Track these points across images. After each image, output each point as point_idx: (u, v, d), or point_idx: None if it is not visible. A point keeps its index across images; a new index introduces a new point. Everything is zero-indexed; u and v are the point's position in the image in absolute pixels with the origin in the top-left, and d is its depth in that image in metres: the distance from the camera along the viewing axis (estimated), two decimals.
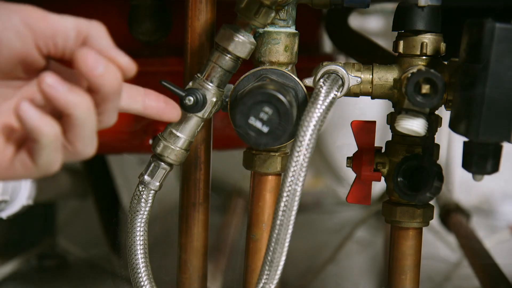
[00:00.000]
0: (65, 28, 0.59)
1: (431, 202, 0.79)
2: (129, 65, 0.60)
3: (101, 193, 1.25)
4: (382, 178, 0.79)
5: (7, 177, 0.60)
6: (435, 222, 1.32)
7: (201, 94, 0.72)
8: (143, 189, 0.74)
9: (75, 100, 0.57)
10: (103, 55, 0.58)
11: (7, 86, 0.61)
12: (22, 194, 0.96)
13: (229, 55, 0.72)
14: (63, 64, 0.63)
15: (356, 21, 1.72)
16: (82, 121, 0.58)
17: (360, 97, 0.78)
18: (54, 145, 0.58)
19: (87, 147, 0.59)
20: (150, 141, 0.91)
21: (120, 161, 1.26)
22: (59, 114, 0.58)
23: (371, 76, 0.76)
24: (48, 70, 0.60)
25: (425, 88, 0.70)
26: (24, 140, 0.59)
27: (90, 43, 0.59)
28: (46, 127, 0.56)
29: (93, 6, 0.93)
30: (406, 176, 0.76)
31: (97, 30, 0.60)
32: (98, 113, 0.60)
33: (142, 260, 0.75)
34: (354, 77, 0.76)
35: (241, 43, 0.71)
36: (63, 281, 1.18)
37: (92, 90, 0.58)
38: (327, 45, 1.12)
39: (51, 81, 0.56)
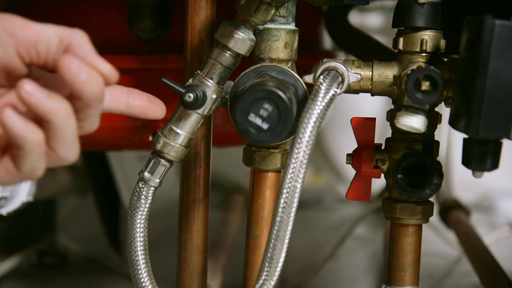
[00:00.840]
0: (47, 36, 0.59)
1: (431, 199, 0.79)
2: (111, 72, 0.61)
3: (101, 190, 1.25)
4: (382, 175, 0.79)
5: None
6: (435, 219, 1.32)
7: (201, 91, 0.72)
8: (143, 185, 0.74)
9: (54, 106, 0.57)
10: (85, 62, 0.59)
11: None
12: (22, 191, 0.96)
13: (229, 52, 0.72)
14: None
15: (356, 18, 1.72)
16: (62, 126, 0.58)
17: (360, 94, 0.78)
18: (38, 151, 0.58)
19: (69, 152, 0.60)
20: (150, 138, 0.92)
21: (120, 158, 1.26)
22: (40, 121, 0.59)
23: (371, 73, 0.76)
24: (27, 78, 0.60)
25: (425, 85, 0.70)
26: (7, 147, 0.60)
27: (73, 51, 0.59)
28: (30, 134, 0.57)
29: (93, 3, 0.93)
30: (406, 173, 0.76)
31: (79, 38, 0.60)
32: (80, 119, 0.60)
33: (142, 256, 0.75)
34: (354, 74, 0.76)
35: (241, 40, 0.71)
36: (63, 278, 1.19)
37: (74, 97, 0.59)
38: (327, 42, 1.12)
39: (29, 88, 0.56)
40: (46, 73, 0.64)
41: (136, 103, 0.68)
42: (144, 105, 0.68)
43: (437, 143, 0.78)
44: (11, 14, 0.59)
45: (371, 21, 1.80)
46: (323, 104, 0.68)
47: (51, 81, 0.62)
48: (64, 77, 0.57)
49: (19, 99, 0.57)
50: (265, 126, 0.68)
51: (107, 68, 0.60)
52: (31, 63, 0.60)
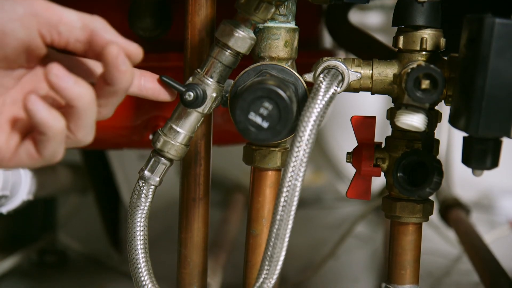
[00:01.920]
0: (70, 18, 0.61)
1: (431, 198, 0.79)
2: (138, 51, 0.63)
3: (101, 189, 1.25)
4: (382, 173, 0.79)
5: (12, 166, 0.62)
6: (434, 217, 1.33)
7: (201, 89, 0.72)
8: (143, 184, 0.74)
9: (80, 92, 0.59)
10: (114, 44, 0.61)
11: (8, 76, 0.63)
12: (22, 189, 0.96)
13: (229, 51, 0.72)
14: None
15: (356, 17, 1.72)
16: (85, 112, 0.60)
17: (360, 92, 0.78)
18: (60, 137, 0.60)
19: (87, 135, 0.62)
20: (150, 137, 0.92)
21: (120, 156, 1.27)
22: (59, 105, 0.61)
23: (371, 72, 0.76)
24: (52, 61, 0.62)
25: (425, 84, 0.70)
26: (29, 130, 0.61)
27: (99, 36, 0.61)
28: (54, 121, 0.59)
29: (94, 1, 0.93)
30: (406, 171, 0.76)
31: (101, 23, 0.62)
32: (101, 105, 0.63)
33: (142, 255, 0.75)
34: (354, 73, 0.76)
35: (241, 39, 0.71)
36: (63, 277, 1.19)
37: (107, 83, 0.61)
38: (327, 40, 1.12)
39: (58, 72, 0.58)
40: (65, 56, 0.66)
41: (148, 85, 0.70)
42: (156, 87, 0.70)
43: (437, 141, 0.78)
44: None
45: (371, 20, 1.80)
46: (323, 102, 0.68)
47: (70, 64, 0.65)
48: (108, 63, 0.60)
49: (47, 82, 0.58)
50: (265, 124, 0.68)
51: (134, 48, 0.63)
52: (52, 44, 0.62)
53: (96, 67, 0.67)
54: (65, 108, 0.60)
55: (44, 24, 0.60)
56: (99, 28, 0.61)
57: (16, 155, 0.61)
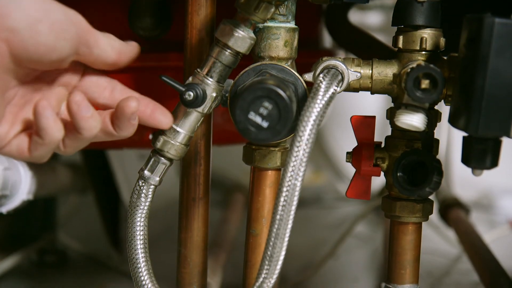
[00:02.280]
0: (103, 43, 0.68)
1: (431, 197, 0.79)
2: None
3: (101, 188, 1.25)
4: (382, 173, 0.79)
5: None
6: (434, 217, 1.33)
7: (201, 89, 0.72)
8: (143, 184, 0.74)
9: (92, 126, 0.66)
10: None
11: (29, 74, 0.66)
12: (22, 189, 0.96)
13: (229, 50, 0.72)
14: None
15: (355, 16, 1.72)
16: (86, 140, 0.67)
17: (360, 92, 0.78)
18: (53, 145, 0.65)
19: (74, 151, 0.68)
20: (150, 136, 0.91)
21: (120, 156, 1.27)
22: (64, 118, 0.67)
23: (370, 71, 0.76)
24: (78, 90, 0.69)
25: (425, 83, 0.70)
26: (28, 128, 0.66)
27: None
28: (55, 131, 0.64)
29: (94, 1, 0.93)
30: (406, 171, 0.76)
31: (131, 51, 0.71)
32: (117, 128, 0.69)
33: (142, 255, 0.75)
34: (353, 72, 0.76)
35: (241, 38, 0.72)
36: (63, 276, 1.19)
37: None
38: (327, 40, 1.12)
39: (81, 102, 0.64)
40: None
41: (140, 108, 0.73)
42: (146, 112, 0.72)
43: (437, 141, 0.78)
44: (78, 14, 0.67)
45: (371, 20, 1.80)
46: (323, 102, 0.68)
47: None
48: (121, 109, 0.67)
49: (68, 106, 0.65)
50: (265, 124, 0.68)
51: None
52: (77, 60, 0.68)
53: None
54: (69, 125, 0.65)
55: (83, 46, 0.66)
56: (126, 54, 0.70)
57: (8, 145, 0.65)
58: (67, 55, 0.65)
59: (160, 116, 0.71)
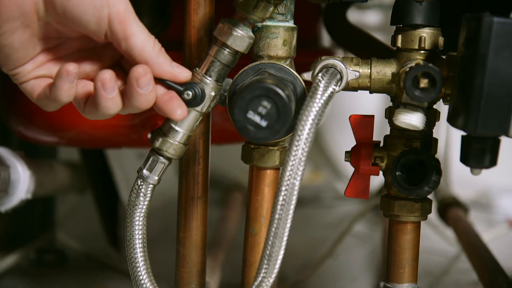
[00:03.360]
0: (135, 43, 0.69)
1: (429, 196, 0.79)
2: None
3: (100, 188, 1.25)
4: (381, 172, 0.79)
5: (23, 76, 0.70)
6: (433, 216, 1.33)
7: (199, 88, 0.72)
8: (142, 183, 0.74)
9: (109, 107, 0.68)
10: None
11: (69, 40, 0.70)
12: (21, 188, 0.96)
13: (227, 49, 0.72)
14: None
15: (354, 16, 1.72)
16: (101, 114, 0.69)
17: (359, 91, 0.78)
18: (58, 104, 0.69)
19: (93, 118, 0.71)
20: (149, 135, 0.91)
21: (119, 155, 1.26)
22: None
23: (369, 70, 0.76)
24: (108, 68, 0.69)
25: (424, 82, 0.70)
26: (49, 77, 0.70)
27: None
28: (63, 95, 0.68)
29: None
30: (405, 170, 0.77)
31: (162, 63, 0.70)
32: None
33: (141, 254, 0.75)
34: (352, 71, 0.76)
35: (240, 37, 0.72)
36: (62, 276, 1.19)
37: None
38: (326, 39, 1.12)
39: (106, 79, 0.67)
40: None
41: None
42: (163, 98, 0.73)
43: (436, 140, 0.78)
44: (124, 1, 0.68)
45: (369, 19, 1.80)
46: (322, 101, 0.68)
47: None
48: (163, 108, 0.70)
49: (95, 79, 0.68)
50: (263, 123, 0.68)
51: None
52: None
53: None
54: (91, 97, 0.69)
55: (112, 32, 0.67)
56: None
57: (26, 83, 0.69)
58: (94, 31, 0.67)
59: (176, 106, 0.70)
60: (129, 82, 0.67)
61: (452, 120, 0.71)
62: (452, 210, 1.29)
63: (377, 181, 0.99)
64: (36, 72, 0.69)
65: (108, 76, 0.67)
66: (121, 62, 0.72)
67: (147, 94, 0.68)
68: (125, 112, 0.70)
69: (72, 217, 1.44)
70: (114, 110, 0.68)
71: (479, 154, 0.69)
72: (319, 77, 0.70)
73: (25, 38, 0.67)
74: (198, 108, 0.73)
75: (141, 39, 0.68)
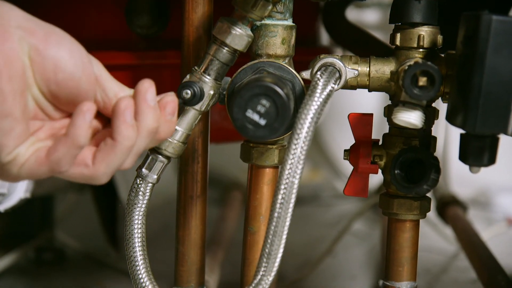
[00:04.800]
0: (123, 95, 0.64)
1: (428, 195, 0.79)
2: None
3: (99, 187, 1.25)
4: (379, 171, 0.79)
5: (22, 173, 0.62)
6: (432, 214, 1.33)
7: (198, 87, 0.72)
8: (141, 182, 0.74)
9: (129, 136, 0.62)
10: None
11: (56, 111, 0.64)
12: (20, 187, 0.96)
13: (226, 48, 0.72)
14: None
15: (353, 14, 1.72)
16: (119, 153, 0.62)
17: (357, 89, 0.78)
18: (74, 151, 0.61)
19: (105, 168, 0.63)
20: None
21: None
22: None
23: (368, 69, 0.76)
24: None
25: (422, 81, 0.70)
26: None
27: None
28: (81, 135, 0.60)
29: None
30: (403, 169, 0.77)
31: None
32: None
33: (140, 253, 0.75)
34: (351, 70, 0.76)
35: (238, 36, 0.71)
36: (61, 274, 1.19)
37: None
38: (324, 38, 1.12)
39: (126, 106, 0.62)
40: None
41: None
42: None
43: (434, 138, 0.78)
44: (99, 63, 0.64)
45: (368, 17, 1.80)
46: (321, 100, 0.68)
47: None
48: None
49: (114, 107, 0.62)
50: (262, 122, 0.68)
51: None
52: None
53: None
54: (102, 136, 0.63)
55: (102, 94, 0.63)
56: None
57: (27, 161, 0.61)
58: (85, 90, 0.62)
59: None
60: (138, 97, 0.63)
61: (451, 118, 0.71)
62: (451, 209, 1.29)
63: (376, 179, 0.99)
64: (33, 147, 0.62)
65: (127, 103, 0.62)
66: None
67: (156, 107, 0.64)
68: (137, 144, 0.64)
69: (71, 216, 1.44)
70: (132, 141, 0.62)
71: (478, 152, 0.69)
72: (318, 76, 0.70)
73: (24, 106, 0.60)
74: (197, 107, 0.73)
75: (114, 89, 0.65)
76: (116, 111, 0.62)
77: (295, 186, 0.68)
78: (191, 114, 0.74)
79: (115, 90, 0.64)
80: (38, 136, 0.62)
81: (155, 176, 0.75)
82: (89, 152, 0.63)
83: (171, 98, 0.65)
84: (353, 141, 0.79)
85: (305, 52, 0.85)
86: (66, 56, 0.60)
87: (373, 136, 0.79)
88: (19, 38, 0.59)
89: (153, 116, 0.63)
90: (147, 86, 0.63)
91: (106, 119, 0.65)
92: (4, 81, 0.58)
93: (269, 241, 0.69)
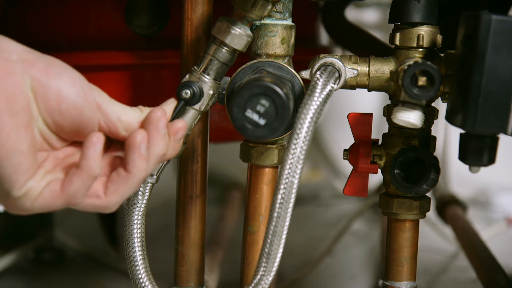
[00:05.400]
0: (129, 121, 0.65)
1: (428, 194, 0.79)
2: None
3: None
4: (379, 170, 0.79)
5: (36, 206, 0.62)
6: (431, 214, 1.33)
7: (198, 87, 0.72)
8: None
9: (142, 168, 0.63)
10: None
11: (60, 141, 0.64)
12: None
13: (225, 48, 0.72)
14: None
15: (352, 14, 1.72)
16: (131, 183, 0.63)
17: (357, 89, 0.78)
18: (88, 182, 0.61)
19: (116, 198, 0.64)
20: None
21: None
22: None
23: (367, 69, 0.76)
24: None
25: (422, 80, 0.70)
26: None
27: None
28: (94, 165, 0.61)
29: None
30: (403, 168, 0.77)
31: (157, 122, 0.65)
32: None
33: (140, 253, 0.75)
34: (350, 70, 0.76)
35: (238, 36, 0.71)
36: (60, 274, 1.19)
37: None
38: (324, 37, 1.12)
39: (142, 139, 0.63)
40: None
41: None
42: None
43: (434, 138, 0.78)
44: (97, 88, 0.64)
45: (367, 17, 1.80)
46: (320, 99, 0.68)
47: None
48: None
49: (128, 138, 0.63)
50: (262, 121, 0.68)
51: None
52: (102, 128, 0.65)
53: None
54: (115, 164, 0.64)
55: (105, 117, 0.64)
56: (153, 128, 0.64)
57: (41, 194, 0.61)
58: (88, 117, 0.62)
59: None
60: (150, 127, 0.64)
61: (450, 118, 0.71)
62: (450, 208, 1.29)
63: (375, 179, 0.99)
64: (45, 180, 0.62)
65: (143, 135, 0.63)
66: None
67: (166, 135, 0.65)
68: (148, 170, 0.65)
69: (70, 216, 1.44)
70: (146, 172, 0.63)
71: (477, 152, 0.69)
72: (318, 75, 0.70)
73: (30, 139, 0.60)
74: (196, 107, 0.73)
75: (129, 110, 0.66)
76: (131, 145, 0.63)
77: (295, 186, 0.68)
78: (191, 114, 0.73)
79: (117, 113, 0.65)
80: (46, 167, 0.63)
81: (155, 176, 0.75)
82: (99, 183, 0.63)
83: (181, 125, 0.66)
84: (352, 141, 0.79)
85: (304, 52, 0.85)
86: (67, 85, 0.61)
87: (373, 136, 0.79)
88: (21, 71, 0.59)
89: (164, 144, 0.64)
90: (160, 116, 0.64)
91: (108, 140, 0.66)
92: (6, 117, 0.58)
93: (268, 241, 0.69)
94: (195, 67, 0.73)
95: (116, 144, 0.67)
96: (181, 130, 0.66)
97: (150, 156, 0.63)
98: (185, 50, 0.79)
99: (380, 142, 0.79)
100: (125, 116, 0.65)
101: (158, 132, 0.64)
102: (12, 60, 0.59)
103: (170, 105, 0.69)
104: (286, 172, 0.67)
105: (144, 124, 0.65)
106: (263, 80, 0.69)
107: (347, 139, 0.80)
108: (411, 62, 0.72)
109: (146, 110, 0.66)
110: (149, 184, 0.75)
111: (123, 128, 0.65)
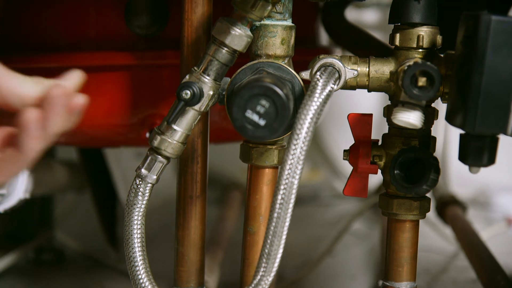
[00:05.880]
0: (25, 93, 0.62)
1: (428, 195, 0.79)
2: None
3: (98, 187, 1.25)
4: (379, 171, 0.79)
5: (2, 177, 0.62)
6: (431, 214, 1.33)
7: (197, 87, 0.72)
8: (140, 182, 0.74)
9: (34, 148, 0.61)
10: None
11: None
12: (19, 188, 0.96)
13: (225, 48, 0.72)
14: None
15: (352, 14, 1.72)
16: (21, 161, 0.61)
17: (357, 90, 0.78)
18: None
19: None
20: (147, 135, 0.91)
21: (117, 154, 1.26)
22: None
23: (367, 69, 0.76)
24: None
25: (422, 81, 0.70)
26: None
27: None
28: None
29: None
30: (403, 169, 0.77)
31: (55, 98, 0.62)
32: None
33: (140, 253, 0.75)
34: (350, 70, 0.76)
35: (238, 36, 0.71)
36: (60, 275, 1.19)
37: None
38: (324, 38, 1.12)
39: (31, 117, 0.60)
40: None
41: None
42: None
43: (434, 138, 0.78)
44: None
45: (367, 17, 1.80)
46: (320, 100, 0.68)
47: None
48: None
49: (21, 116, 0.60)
50: (262, 122, 0.68)
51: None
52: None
53: None
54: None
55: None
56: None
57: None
58: None
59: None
60: (48, 104, 0.61)
61: (450, 118, 0.71)
62: (450, 209, 1.29)
63: (375, 179, 0.99)
64: None
65: (33, 114, 0.60)
66: None
67: (63, 114, 0.62)
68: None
69: (70, 216, 1.44)
70: (38, 151, 0.61)
71: (477, 152, 0.69)
72: (317, 76, 0.70)
73: None
74: (196, 107, 0.73)
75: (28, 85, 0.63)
76: (23, 124, 0.60)
77: (295, 186, 0.68)
78: (191, 114, 0.74)
79: (12, 84, 0.62)
80: None
81: (155, 177, 0.75)
82: None
83: (80, 100, 0.62)
84: (352, 141, 0.79)
85: (304, 53, 0.85)
86: None
87: (373, 136, 0.79)
88: None
89: (61, 122, 0.62)
90: (58, 94, 0.61)
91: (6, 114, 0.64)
92: None
93: (268, 241, 0.69)
94: (195, 68, 0.73)
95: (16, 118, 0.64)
96: (78, 106, 0.62)
97: (46, 135, 0.61)
98: (185, 50, 0.79)
99: (380, 143, 0.80)
100: (20, 89, 0.62)
101: (56, 112, 0.61)
102: None
103: (69, 80, 0.64)
104: (286, 172, 0.67)
105: (42, 101, 0.62)
106: (263, 81, 0.69)
107: (347, 140, 0.81)
108: (411, 63, 0.72)
109: (46, 82, 0.63)
110: (149, 185, 0.75)
111: (20, 102, 0.62)
